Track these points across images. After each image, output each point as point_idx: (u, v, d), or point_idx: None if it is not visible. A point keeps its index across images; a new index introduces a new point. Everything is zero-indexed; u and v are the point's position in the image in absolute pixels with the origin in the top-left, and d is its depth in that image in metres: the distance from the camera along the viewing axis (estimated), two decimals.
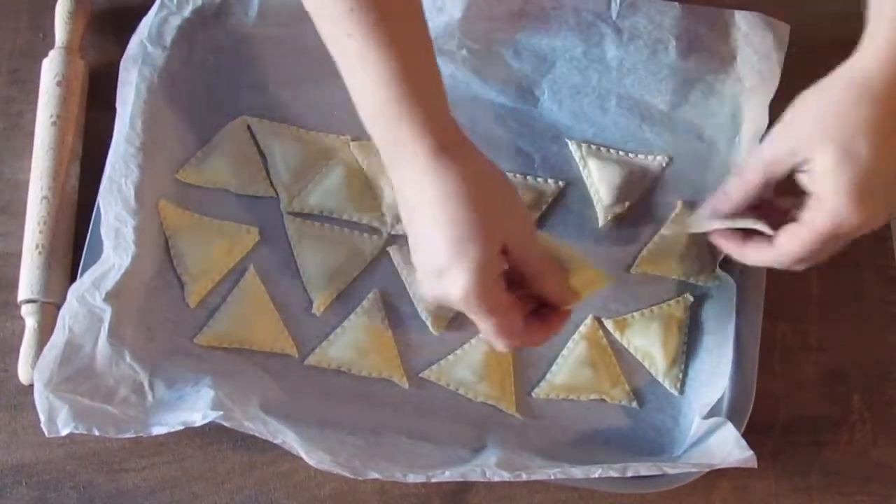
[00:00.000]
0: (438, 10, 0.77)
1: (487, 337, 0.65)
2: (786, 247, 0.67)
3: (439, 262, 0.62)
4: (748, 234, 0.70)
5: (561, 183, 0.78)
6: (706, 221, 0.72)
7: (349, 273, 0.76)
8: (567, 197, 0.79)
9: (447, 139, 0.62)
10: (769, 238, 0.68)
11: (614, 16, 0.77)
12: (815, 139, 0.64)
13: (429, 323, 0.76)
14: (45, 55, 0.77)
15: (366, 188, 0.78)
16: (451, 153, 0.62)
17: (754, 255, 0.69)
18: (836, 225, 0.64)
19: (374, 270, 0.77)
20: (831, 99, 0.64)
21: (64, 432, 0.66)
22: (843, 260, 0.80)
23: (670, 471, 0.69)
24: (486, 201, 0.62)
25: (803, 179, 0.66)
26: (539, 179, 0.78)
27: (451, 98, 0.64)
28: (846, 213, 0.63)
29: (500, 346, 0.66)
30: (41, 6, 0.79)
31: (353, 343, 0.75)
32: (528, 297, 0.66)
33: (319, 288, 0.75)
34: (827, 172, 0.63)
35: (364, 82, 0.62)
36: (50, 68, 0.77)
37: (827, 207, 0.64)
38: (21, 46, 0.80)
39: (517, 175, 0.78)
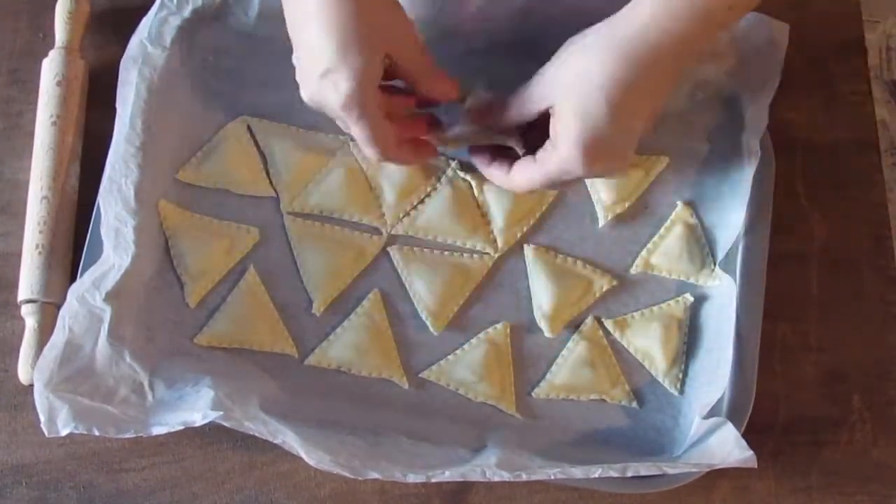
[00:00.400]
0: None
1: (361, 145, 0.69)
2: (517, 177, 0.70)
3: (323, 64, 0.65)
4: (497, 153, 0.73)
5: None
6: (466, 128, 0.73)
7: (349, 273, 0.76)
8: (567, 196, 0.79)
9: None
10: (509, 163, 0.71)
11: None
12: (562, 89, 0.66)
13: (429, 323, 0.76)
14: (45, 55, 0.77)
15: (366, 188, 0.78)
16: None
17: (495, 174, 0.72)
18: (563, 171, 0.67)
19: (375, 270, 0.77)
20: (586, 54, 0.66)
21: (64, 432, 0.66)
22: (843, 260, 0.81)
23: (670, 471, 0.69)
24: (373, 9, 0.66)
25: (551, 122, 0.68)
26: None
27: None
28: (573, 162, 0.66)
29: (372, 154, 0.69)
30: (41, 6, 0.79)
31: (353, 343, 0.75)
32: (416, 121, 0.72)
33: (319, 288, 0.75)
34: (562, 122, 0.66)
35: None
36: (50, 68, 0.77)
37: (556, 153, 0.67)
38: (21, 46, 0.80)
39: None
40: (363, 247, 0.77)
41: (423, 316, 0.76)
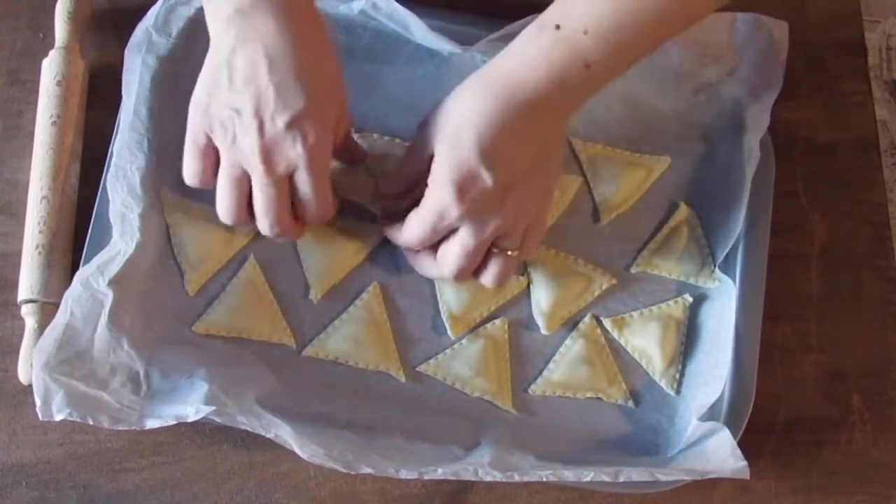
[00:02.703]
0: None
1: (307, 201, 0.67)
2: (406, 230, 0.69)
3: (292, 110, 0.63)
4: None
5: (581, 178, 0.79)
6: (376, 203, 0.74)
7: (350, 262, 0.76)
8: (568, 195, 0.79)
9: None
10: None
11: None
12: (440, 133, 0.65)
13: (448, 325, 0.75)
14: (45, 55, 0.77)
15: (366, 176, 0.78)
16: (314, 13, 0.66)
17: (395, 234, 0.71)
18: (439, 212, 0.66)
19: (375, 263, 0.77)
20: (463, 96, 0.65)
21: (58, 417, 0.66)
22: (843, 260, 0.81)
23: (663, 478, 0.69)
24: (337, 66, 0.66)
25: (431, 168, 0.67)
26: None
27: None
28: (446, 200, 0.65)
29: (316, 215, 0.68)
30: (41, 6, 0.79)
31: (351, 335, 0.75)
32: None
33: (320, 277, 0.76)
34: (437, 163, 0.65)
35: None
36: (50, 68, 0.77)
37: (431, 195, 0.66)
38: (21, 46, 0.80)
39: None
40: (365, 236, 0.77)
41: (445, 317, 0.76)
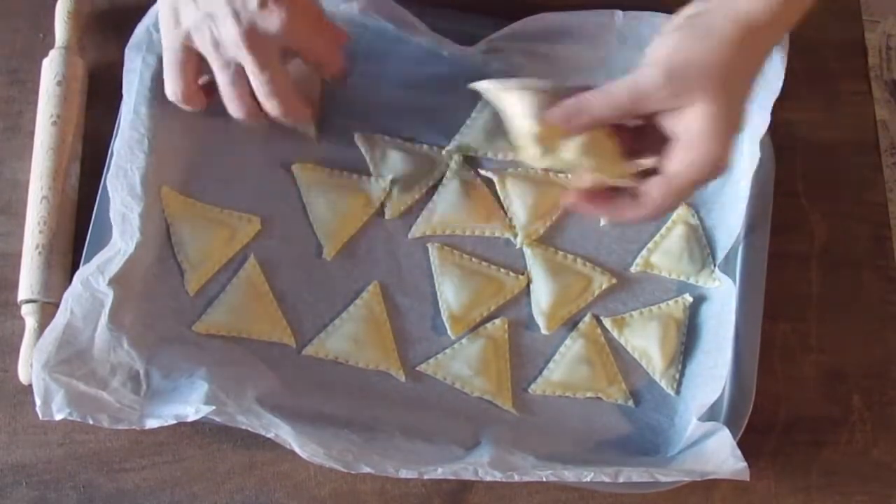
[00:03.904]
0: None
1: (265, 88, 0.67)
2: (657, 200, 0.63)
3: None
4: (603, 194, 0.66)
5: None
6: (582, 177, 0.66)
7: (359, 217, 0.77)
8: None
9: None
10: (632, 195, 0.64)
11: (618, 26, 0.77)
12: (700, 86, 0.60)
13: (448, 325, 0.76)
14: (45, 55, 0.77)
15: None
16: None
17: (630, 212, 0.65)
18: (712, 167, 0.61)
19: (376, 262, 0.77)
20: (718, 44, 0.61)
21: (58, 417, 0.66)
22: (843, 260, 0.81)
23: (662, 478, 0.69)
24: None
25: (669, 123, 0.62)
26: (561, 175, 0.79)
27: None
28: (719, 156, 0.61)
29: (273, 105, 0.68)
30: (41, 6, 0.79)
31: (351, 334, 0.75)
32: None
33: (331, 234, 0.76)
34: (706, 120, 0.60)
35: None
36: (50, 68, 0.77)
37: (700, 155, 0.61)
38: (21, 46, 0.80)
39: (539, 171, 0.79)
40: (369, 192, 0.77)
41: (445, 317, 0.76)
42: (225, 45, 0.66)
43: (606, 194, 0.66)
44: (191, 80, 0.69)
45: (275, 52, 0.67)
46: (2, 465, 0.72)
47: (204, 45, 0.67)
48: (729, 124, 0.61)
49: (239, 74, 0.68)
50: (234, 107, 0.69)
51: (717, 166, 0.61)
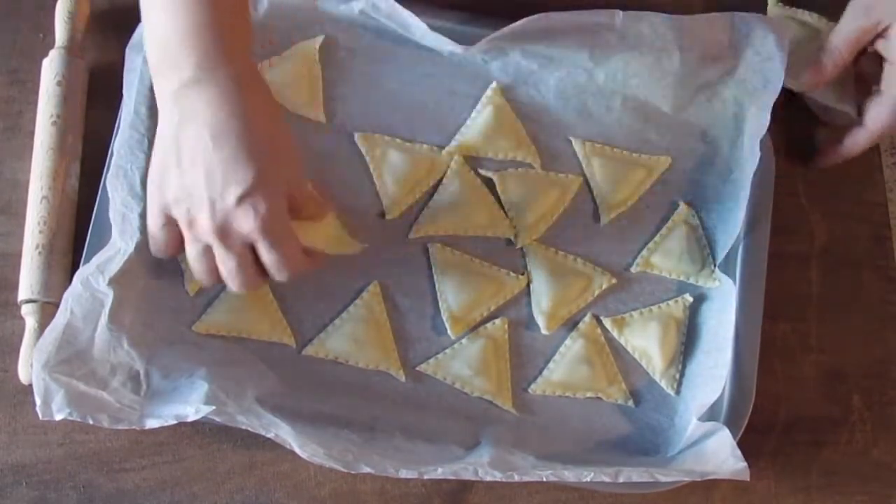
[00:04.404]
0: None
1: (272, 266, 0.65)
2: (878, 121, 0.73)
3: (241, 187, 0.62)
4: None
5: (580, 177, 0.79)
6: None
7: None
8: (569, 195, 0.79)
9: (253, 69, 0.66)
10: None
11: (618, 25, 0.77)
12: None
13: (448, 325, 0.75)
14: (45, 55, 0.77)
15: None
16: (259, 81, 0.66)
17: (851, 142, 0.76)
18: None
19: (376, 262, 0.77)
20: None
21: (58, 417, 0.66)
22: (843, 260, 0.81)
23: (662, 478, 0.69)
24: (286, 129, 0.66)
25: (883, 47, 0.71)
26: (561, 175, 0.79)
27: None
28: None
29: (282, 273, 0.66)
30: (41, 6, 0.79)
31: (351, 334, 0.75)
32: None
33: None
34: None
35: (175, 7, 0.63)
36: (50, 68, 0.77)
37: None
38: (21, 46, 0.80)
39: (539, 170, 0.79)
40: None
41: (445, 317, 0.76)
42: (197, 227, 0.64)
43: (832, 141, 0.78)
44: (172, 241, 0.67)
45: (242, 246, 0.65)
46: (2, 465, 0.72)
47: (180, 217, 0.65)
48: None
49: (207, 251, 0.66)
50: (201, 278, 0.68)
51: None
